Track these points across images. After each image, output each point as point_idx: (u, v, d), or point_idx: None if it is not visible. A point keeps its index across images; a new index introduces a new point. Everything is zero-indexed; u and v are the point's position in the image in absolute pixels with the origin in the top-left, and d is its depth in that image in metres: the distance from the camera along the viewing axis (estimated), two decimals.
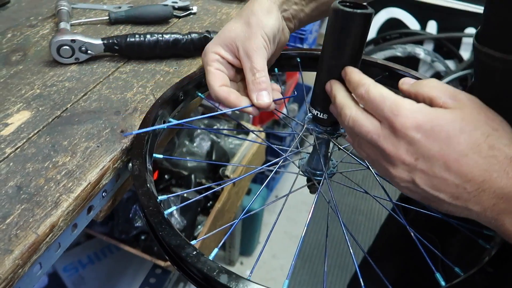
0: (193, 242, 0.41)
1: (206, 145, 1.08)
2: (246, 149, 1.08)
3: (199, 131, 1.09)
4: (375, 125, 0.38)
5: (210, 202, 1.03)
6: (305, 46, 1.51)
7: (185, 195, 0.96)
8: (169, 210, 0.44)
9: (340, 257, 1.76)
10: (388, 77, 0.66)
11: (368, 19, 0.41)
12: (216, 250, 0.40)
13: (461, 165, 0.34)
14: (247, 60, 0.50)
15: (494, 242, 0.44)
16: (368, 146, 0.40)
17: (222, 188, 0.99)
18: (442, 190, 0.35)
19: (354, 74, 0.42)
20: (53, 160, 0.50)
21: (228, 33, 0.52)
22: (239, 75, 0.54)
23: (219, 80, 0.51)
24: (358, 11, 0.41)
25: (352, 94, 0.42)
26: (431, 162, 0.35)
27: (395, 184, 0.39)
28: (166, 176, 1.04)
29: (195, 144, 1.07)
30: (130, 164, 0.50)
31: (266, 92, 0.50)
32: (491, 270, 0.40)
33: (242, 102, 0.50)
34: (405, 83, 0.40)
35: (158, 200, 0.45)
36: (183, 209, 0.95)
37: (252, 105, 0.50)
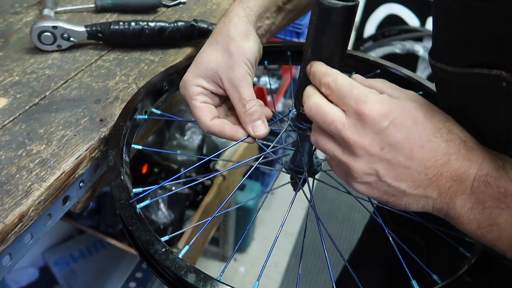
0: (164, 239, 0.39)
1: (197, 138, 1.06)
2: (238, 144, 1.06)
3: (190, 124, 1.07)
4: (340, 115, 0.37)
5: (200, 197, 1.01)
6: (302, 40, 1.49)
7: (173, 188, 0.94)
8: (142, 204, 0.42)
9: (334, 256, 1.75)
10: (379, 74, 0.64)
11: (350, 12, 0.39)
12: (186, 247, 0.38)
13: (425, 151, 0.34)
14: (234, 91, 0.48)
15: (474, 250, 0.43)
16: (328, 139, 0.39)
17: (212, 182, 0.97)
18: (404, 179, 0.35)
19: (319, 65, 0.41)
20: (27, 148, 0.48)
21: (208, 63, 0.49)
22: (221, 100, 0.53)
23: (208, 114, 0.49)
24: (340, 3, 0.38)
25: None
26: (398, 150, 0.35)
27: (352, 182, 0.38)
28: (155, 169, 1.03)
29: (186, 137, 1.05)
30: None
31: (260, 122, 0.48)
32: (469, 280, 0.39)
33: (238, 133, 0.49)
34: (358, 77, 0.41)
35: (132, 193, 0.44)
36: (171, 203, 0.93)
37: (248, 136, 0.49)
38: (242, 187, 1.55)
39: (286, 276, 1.68)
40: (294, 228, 1.87)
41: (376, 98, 0.36)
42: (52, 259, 1.39)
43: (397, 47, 2.07)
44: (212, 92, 0.50)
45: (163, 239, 0.40)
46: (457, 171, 0.34)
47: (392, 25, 2.13)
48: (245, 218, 1.60)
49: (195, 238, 0.42)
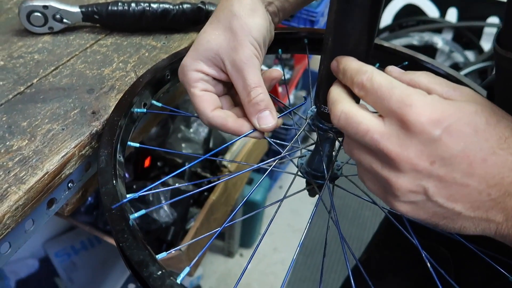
0: (160, 256, 0.33)
1: (203, 131, 1.00)
2: (246, 138, 1.00)
3: None
4: (376, 122, 0.30)
5: (205, 193, 0.96)
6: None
7: (177, 184, 0.88)
8: (136, 215, 0.36)
9: (342, 261, 1.69)
10: (408, 67, 0.57)
11: None
12: (187, 269, 0.32)
13: (488, 166, 0.28)
14: (238, 76, 0.41)
15: None
16: (362, 150, 0.32)
17: (218, 178, 0.91)
18: (460, 199, 0.29)
19: (350, 61, 0.34)
20: (7, 143, 0.42)
21: (208, 44, 0.42)
22: (226, 87, 0.46)
23: (209, 105, 0.42)
24: None
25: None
26: (452, 165, 0.28)
27: (393, 201, 0.31)
28: (158, 163, 0.97)
29: (191, 130, 0.99)
30: None
31: (267, 112, 0.41)
32: None
33: (243, 127, 0.42)
34: (394, 71, 0.34)
35: (125, 200, 0.38)
36: (173, 201, 0.87)
37: (254, 130, 0.42)
38: (250, 181, 1.49)
39: (293, 274, 1.63)
40: (302, 224, 1.81)
41: (425, 100, 0.29)
42: (53, 250, 1.35)
43: (414, 39, 1.98)
44: (214, 78, 0.43)
45: (160, 256, 0.34)
46: None
47: (410, 15, 2.03)
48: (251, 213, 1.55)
49: (197, 257, 0.36)
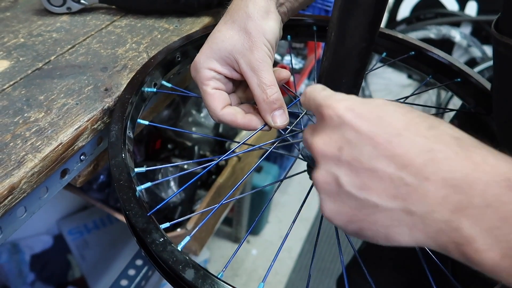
0: (163, 226, 0.35)
1: None
2: None
3: None
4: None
5: (213, 176, 0.98)
6: None
7: (185, 166, 0.90)
8: (143, 186, 0.38)
9: (348, 248, 1.70)
10: (414, 57, 0.58)
11: None
12: (187, 238, 0.34)
13: (393, 147, 0.26)
14: (252, 75, 0.43)
15: None
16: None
17: (226, 162, 0.93)
18: (373, 187, 0.27)
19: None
20: (25, 115, 0.45)
21: (223, 44, 0.44)
22: (235, 85, 0.48)
23: (220, 102, 0.44)
24: None
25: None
26: (358, 148, 0.27)
27: (320, 202, 0.30)
28: (169, 146, 0.99)
29: (202, 115, 1.01)
30: None
31: (281, 111, 0.44)
32: None
33: (252, 122, 0.44)
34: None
35: (133, 173, 0.40)
36: (182, 182, 0.90)
37: (265, 124, 0.45)
38: (258, 169, 1.51)
39: (299, 261, 1.65)
40: (310, 213, 1.83)
41: (341, 97, 0.30)
42: (67, 228, 1.40)
43: (432, 32, 1.96)
44: (225, 77, 0.45)
45: (163, 226, 0.36)
46: (454, 173, 0.24)
47: (428, 8, 2.01)
48: (260, 200, 1.57)
49: (196, 230, 0.38)
